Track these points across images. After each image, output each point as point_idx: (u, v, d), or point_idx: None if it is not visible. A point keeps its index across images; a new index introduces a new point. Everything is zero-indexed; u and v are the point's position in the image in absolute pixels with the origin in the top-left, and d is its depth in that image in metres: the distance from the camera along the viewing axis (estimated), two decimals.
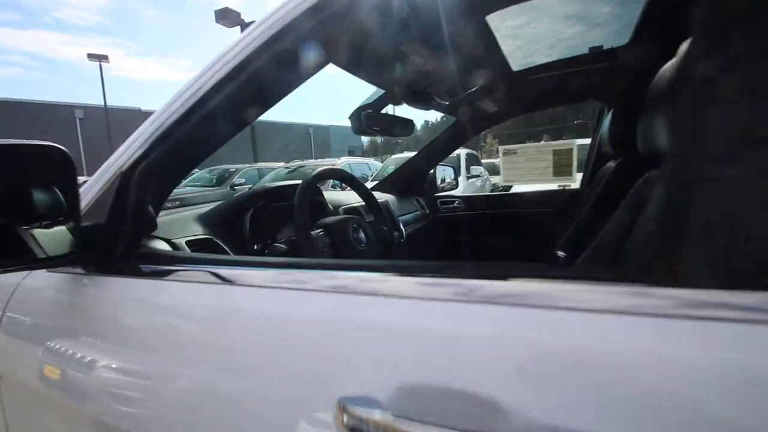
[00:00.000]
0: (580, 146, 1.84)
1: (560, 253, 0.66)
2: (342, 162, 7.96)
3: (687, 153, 0.33)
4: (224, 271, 0.55)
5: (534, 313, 0.34)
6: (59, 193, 0.61)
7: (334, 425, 0.37)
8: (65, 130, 17.20)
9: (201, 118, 0.63)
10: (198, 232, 0.89)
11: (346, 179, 1.14)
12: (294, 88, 0.70)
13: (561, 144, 1.81)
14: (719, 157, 0.31)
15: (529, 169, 1.84)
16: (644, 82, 0.67)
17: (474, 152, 8.20)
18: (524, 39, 1.15)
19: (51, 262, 0.61)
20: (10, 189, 0.60)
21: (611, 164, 1.30)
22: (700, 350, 0.29)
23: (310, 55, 0.63)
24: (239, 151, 15.29)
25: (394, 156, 8.41)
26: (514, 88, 1.47)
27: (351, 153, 25.48)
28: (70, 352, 0.61)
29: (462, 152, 6.52)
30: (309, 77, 0.67)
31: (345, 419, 0.36)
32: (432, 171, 1.94)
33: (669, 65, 0.56)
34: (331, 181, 3.55)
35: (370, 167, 8.62)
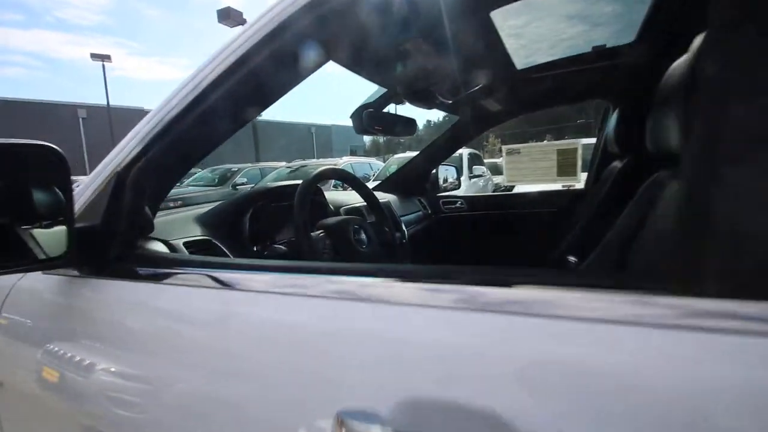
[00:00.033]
0: (585, 146, 1.82)
1: (571, 259, 0.64)
2: (344, 162, 7.94)
3: (702, 153, 0.31)
4: (222, 275, 0.54)
5: (540, 324, 0.32)
6: (54, 193, 0.60)
7: None
8: (69, 130, 17.27)
9: (198, 116, 0.61)
10: (196, 233, 0.88)
11: (347, 179, 1.13)
12: (294, 86, 0.68)
13: (565, 143, 1.79)
14: (738, 158, 0.29)
15: (533, 169, 1.81)
16: (652, 79, 0.65)
17: (476, 152, 8.18)
18: (529, 36, 1.13)
19: (43, 264, 0.59)
20: (9, 188, 0.59)
21: (617, 164, 1.28)
22: (725, 366, 0.27)
23: (310, 51, 0.61)
24: (241, 150, 15.32)
25: (396, 155, 8.39)
26: (518, 86, 1.45)
27: (353, 153, 25.45)
28: (65, 355, 0.59)
29: (464, 152, 6.50)
30: (309, 74, 0.65)
31: None
32: (434, 171, 1.93)
33: (680, 62, 0.54)
34: (333, 180, 3.54)
35: (372, 167, 8.60)
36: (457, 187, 2.11)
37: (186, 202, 6.38)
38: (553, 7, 1.11)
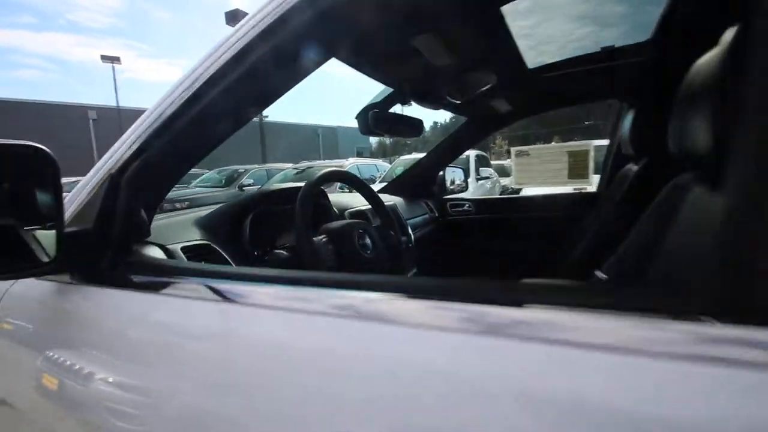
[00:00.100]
0: (597, 147, 1.77)
1: (600, 274, 0.60)
2: (350, 163, 7.94)
3: (760, 154, 0.27)
4: (221, 286, 0.50)
5: (563, 353, 0.28)
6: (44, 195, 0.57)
7: None
8: (79, 131, 17.51)
9: (197, 115, 0.58)
10: (195, 237, 0.85)
11: (351, 182, 1.09)
12: (296, 83, 0.64)
13: (577, 145, 1.74)
14: None
15: (543, 171, 1.77)
16: (672, 77, 0.61)
17: (484, 153, 8.13)
18: (541, 34, 1.09)
19: (30, 271, 0.56)
20: (9, 189, 0.57)
21: (631, 166, 1.23)
22: None
23: (311, 47, 0.58)
24: (248, 151, 15.40)
25: (402, 157, 8.37)
26: (529, 86, 1.41)
27: (359, 154, 25.48)
28: (56, 364, 0.57)
29: (471, 153, 6.46)
30: (311, 71, 0.62)
31: None
32: (441, 173, 1.89)
33: (709, 57, 0.49)
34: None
35: (379, 168, 8.60)
36: (465, 189, 2.07)
37: (193, 203, 6.43)
38: (566, 4, 1.07)
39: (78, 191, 0.66)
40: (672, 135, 0.56)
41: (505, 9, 0.87)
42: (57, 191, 0.56)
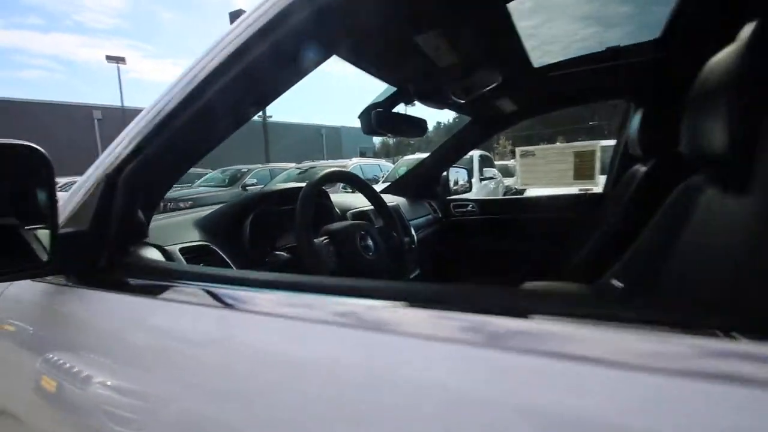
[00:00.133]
0: (603, 147, 1.74)
1: (616, 282, 0.58)
2: (353, 163, 7.93)
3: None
4: (220, 291, 0.49)
5: (569, 367, 0.26)
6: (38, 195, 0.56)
7: None
8: (84, 131, 17.61)
9: (195, 113, 0.57)
10: (194, 238, 0.83)
11: (353, 182, 1.07)
12: (297, 81, 0.63)
13: (583, 145, 1.71)
14: None
15: (548, 172, 1.74)
16: (684, 76, 0.59)
17: (487, 154, 8.10)
18: (547, 32, 1.06)
19: (22, 272, 0.55)
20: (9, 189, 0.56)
21: (639, 167, 1.21)
22: None
23: (312, 44, 0.56)
24: (252, 151, 15.42)
25: (406, 157, 8.35)
26: (535, 85, 1.38)
27: (363, 154, 25.45)
28: (48, 367, 0.55)
29: (475, 153, 6.44)
30: (312, 69, 0.60)
31: None
32: (445, 173, 1.87)
33: (725, 54, 0.47)
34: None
35: (382, 168, 8.58)
36: (468, 189, 2.05)
37: (196, 203, 6.44)
38: (572, 2, 1.05)
39: (75, 191, 0.65)
40: (685, 135, 0.54)
41: (511, 6, 0.85)
42: (51, 191, 0.55)
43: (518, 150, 1.83)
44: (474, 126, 1.74)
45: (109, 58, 17.71)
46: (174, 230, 0.83)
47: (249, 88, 0.58)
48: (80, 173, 0.68)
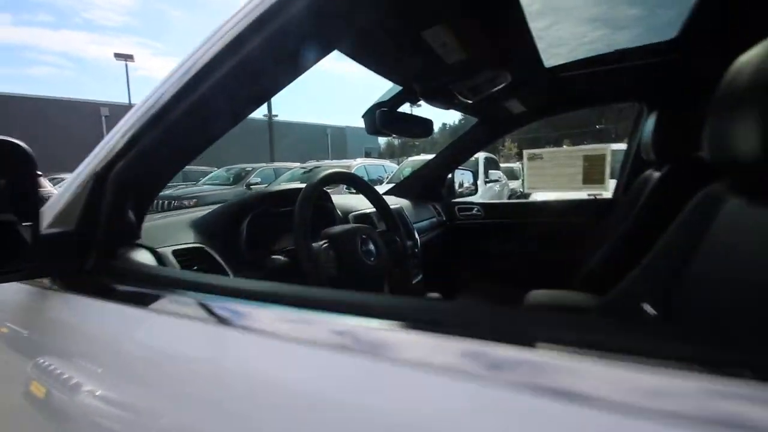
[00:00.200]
0: (614, 152, 1.70)
1: (648, 308, 0.54)
2: (358, 163, 7.91)
3: None
4: (214, 304, 0.45)
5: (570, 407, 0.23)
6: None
7: None
8: (91, 127, 17.72)
9: (190, 108, 0.53)
10: (189, 239, 0.80)
11: (355, 184, 1.04)
12: (296, 76, 0.59)
13: (593, 149, 1.67)
14: None
15: (556, 176, 1.70)
16: (703, 78, 0.55)
17: (493, 156, 8.05)
18: (560, 32, 1.02)
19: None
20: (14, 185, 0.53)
21: (652, 172, 1.16)
22: None
23: (312, 38, 0.52)
24: (257, 150, 15.46)
25: (411, 158, 8.31)
26: (545, 85, 1.34)
27: (368, 154, 25.42)
28: (37, 372, 0.52)
29: (481, 155, 6.39)
30: (312, 64, 0.56)
31: None
32: (450, 175, 1.83)
33: (755, 54, 0.43)
34: None
35: (386, 169, 8.55)
36: (474, 192, 2.01)
37: (201, 201, 6.44)
38: (586, 1, 1.01)
39: (65, 189, 0.62)
40: (709, 139, 0.50)
41: (523, 2, 0.81)
42: (33, 190, 0.52)
43: (526, 153, 1.79)
44: (481, 127, 1.70)
45: (117, 55, 17.83)
46: (168, 231, 0.80)
47: (247, 81, 0.55)
48: None
